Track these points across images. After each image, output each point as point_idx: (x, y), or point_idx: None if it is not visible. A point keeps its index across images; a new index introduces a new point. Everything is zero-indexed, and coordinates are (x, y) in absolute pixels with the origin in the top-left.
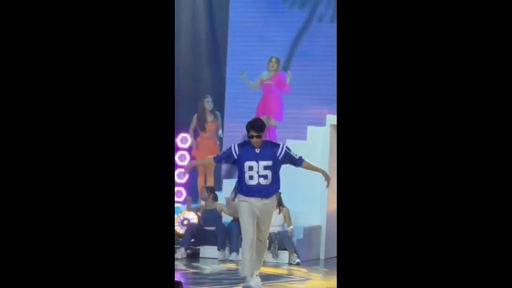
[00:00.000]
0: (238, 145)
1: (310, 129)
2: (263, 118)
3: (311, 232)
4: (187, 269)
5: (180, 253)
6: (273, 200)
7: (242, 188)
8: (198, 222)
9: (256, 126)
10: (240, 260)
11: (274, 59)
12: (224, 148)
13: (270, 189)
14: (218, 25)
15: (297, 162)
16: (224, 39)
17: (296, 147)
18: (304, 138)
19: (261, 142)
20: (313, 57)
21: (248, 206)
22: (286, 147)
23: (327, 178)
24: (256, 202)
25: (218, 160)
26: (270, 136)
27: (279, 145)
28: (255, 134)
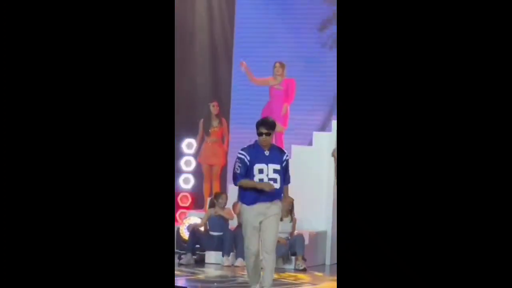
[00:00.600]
0: (243, 149)
1: (316, 134)
2: None
3: (316, 238)
4: (192, 274)
5: (187, 259)
6: (277, 203)
7: (248, 195)
8: (205, 229)
9: (266, 123)
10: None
11: (278, 64)
12: (235, 164)
13: (277, 193)
14: (224, 30)
15: (285, 180)
16: (230, 44)
17: (302, 152)
18: (310, 143)
19: (270, 142)
20: (319, 63)
21: (252, 215)
22: (288, 159)
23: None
24: (262, 207)
25: (241, 176)
26: (277, 142)
27: (285, 152)
28: (265, 131)
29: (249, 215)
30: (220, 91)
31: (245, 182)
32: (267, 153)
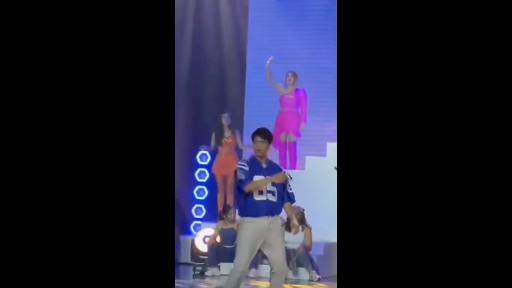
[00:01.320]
0: (242, 161)
1: (330, 145)
2: (283, 134)
3: (331, 248)
4: (207, 286)
5: (212, 271)
6: (279, 218)
7: (248, 207)
8: (221, 242)
9: (262, 131)
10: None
11: (290, 74)
12: (236, 175)
13: (277, 207)
14: (237, 39)
15: (288, 196)
16: (243, 53)
17: (316, 163)
18: (324, 154)
19: (265, 152)
20: (333, 73)
21: (252, 230)
22: (288, 175)
23: (294, 227)
24: (264, 221)
25: (247, 181)
26: (291, 152)
27: (282, 169)
28: (260, 139)
29: (251, 230)
30: (233, 101)
31: (254, 184)
32: (264, 166)
